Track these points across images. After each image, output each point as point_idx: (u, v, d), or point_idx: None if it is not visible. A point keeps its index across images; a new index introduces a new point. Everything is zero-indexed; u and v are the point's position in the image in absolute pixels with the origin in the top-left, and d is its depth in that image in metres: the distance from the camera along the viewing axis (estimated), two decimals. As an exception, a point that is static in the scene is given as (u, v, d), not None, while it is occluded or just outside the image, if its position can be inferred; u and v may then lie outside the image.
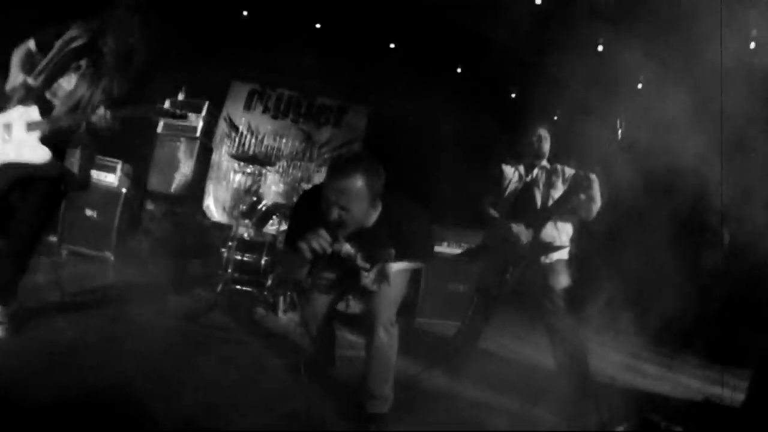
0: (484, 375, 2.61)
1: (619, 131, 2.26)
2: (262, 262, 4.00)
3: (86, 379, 1.85)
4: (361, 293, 1.97)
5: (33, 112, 2.00)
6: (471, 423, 2.12)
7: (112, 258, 3.84)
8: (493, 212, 2.60)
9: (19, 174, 2.02)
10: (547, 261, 2.43)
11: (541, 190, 2.50)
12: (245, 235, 4.09)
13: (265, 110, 6.58)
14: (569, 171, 2.51)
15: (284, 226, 3.93)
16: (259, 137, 6.52)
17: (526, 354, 3.44)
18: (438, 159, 6.05)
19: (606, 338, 3.60)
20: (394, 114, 6.62)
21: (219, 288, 3.48)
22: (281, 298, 3.46)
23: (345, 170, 1.58)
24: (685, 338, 3.92)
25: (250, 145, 6.42)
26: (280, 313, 3.38)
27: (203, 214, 5.40)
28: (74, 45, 2.04)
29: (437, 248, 4.01)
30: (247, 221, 4.15)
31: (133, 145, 4.28)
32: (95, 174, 4.06)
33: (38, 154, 2.00)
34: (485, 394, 2.44)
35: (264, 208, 4.10)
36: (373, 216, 1.76)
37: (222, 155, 6.35)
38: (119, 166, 4.06)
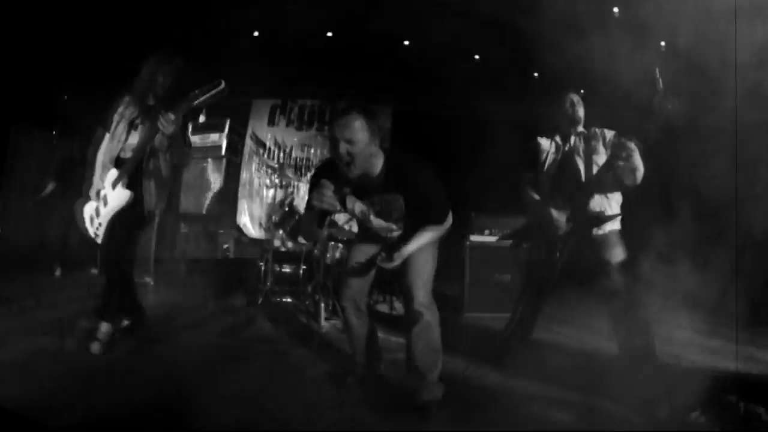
0: (541, 367, 2.35)
1: (659, 83, 1.98)
2: (300, 271, 3.95)
3: (133, 398, 1.86)
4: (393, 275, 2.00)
5: (113, 174, 2.35)
6: (530, 420, 1.90)
7: (152, 282, 3.93)
8: (533, 194, 2.41)
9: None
10: (600, 233, 2.19)
11: (583, 157, 2.28)
12: (281, 246, 4.04)
13: (289, 123, 6.60)
14: (609, 133, 2.29)
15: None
16: (287, 150, 6.54)
17: (585, 340, 3.15)
18: (468, 149, 5.82)
19: (664, 315, 3.21)
20: (418, 109, 6.47)
21: (259, 301, 3.43)
22: (321, 306, 3.35)
23: (345, 109, 1.75)
24: (752, 309, 3.49)
25: (278, 159, 6.45)
26: (322, 321, 3.27)
27: (239, 230, 5.43)
28: (129, 114, 2.40)
29: (478, 238, 3.81)
30: (281, 232, 4.11)
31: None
32: None
33: (122, 196, 2.33)
34: (544, 388, 2.20)
35: (297, 218, 4.05)
36: (378, 162, 1.82)
37: (252, 173, 6.42)
38: None
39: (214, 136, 4.11)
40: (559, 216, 2.20)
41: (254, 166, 6.41)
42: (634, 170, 2.09)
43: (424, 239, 1.89)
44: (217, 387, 2.05)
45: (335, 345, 2.82)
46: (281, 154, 6.48)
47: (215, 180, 4.15)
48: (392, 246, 1.89)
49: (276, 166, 5.86)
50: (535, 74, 6.00)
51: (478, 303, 3.70)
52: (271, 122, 6.56)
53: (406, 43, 5.85)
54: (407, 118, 6.46)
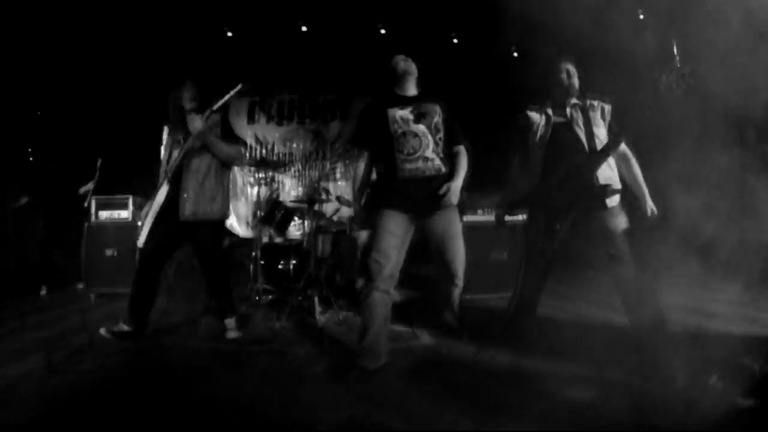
0: (549, 344, 2.29)
1: (675, 60, 1.88)
2: (291, 266, 3.83)
3: (125, 408, 1.81)
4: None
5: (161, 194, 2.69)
6: (544, 397, 1.83)
7: None
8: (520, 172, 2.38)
9: (168, 223, 2.68)
10: (611, 205, 2.11)
11: (583, 128, 2.18)
12: (269, 241, 3.91)
13: (270, 119, 6.42)
14: (606, 105, 2.22)
15: (308, 227, 3.76)
16: (269, 146, 6.38)
17: (592, 315, 3.10)
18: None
19: (663, 282, 3.16)
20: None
21: (251, 301, 3.31)
22: (316, 300, 3.24)
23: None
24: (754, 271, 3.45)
25: (260, 155, 6.29)
26: (318, 316, 3.17)
27: (227, 232, 5.27)
28: (173, 137, 2.76)
29: (472, 218, 3.71)
30: (268, 227, 3.98)
31: (142, 176, 4.20)
32: (108, 214, 4.02)
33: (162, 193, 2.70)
34: (554, 365, 2.13)
35: (283, 211, 3.92)
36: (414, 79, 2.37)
37: (235, 172, 6.25)
38: (130, 201, 4.04)
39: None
40: (560, 191, 2.12)
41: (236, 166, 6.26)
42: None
43: (462, 169, 2.30)
44: (213, 393, 1.94)
45: (334, 339, 2.73)
46: (263, 151, 6.32)
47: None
48: (439, 191, 2.18)
49: (258, 160, 5.69)
50: (515, 54, 5.92)
51: (477, 284, 3.60)
52: (251, 119, 6.40)
53: (383, 31, 5.74)
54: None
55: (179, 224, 2.63)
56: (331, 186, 6.20)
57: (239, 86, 2.64)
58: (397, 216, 2.20)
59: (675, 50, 1.86)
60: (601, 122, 2.19)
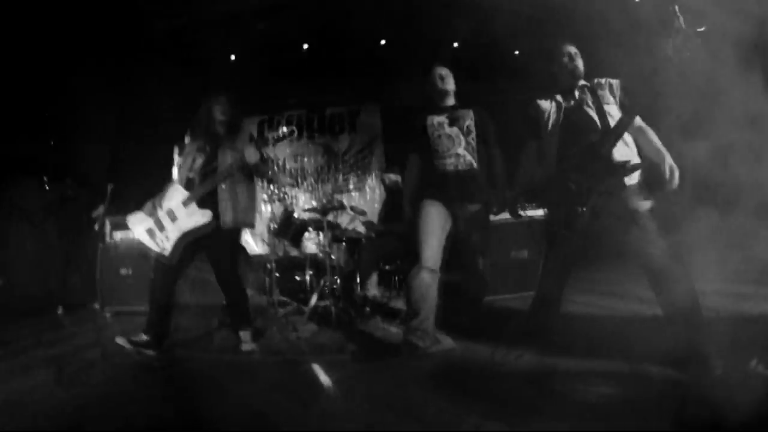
0: (576, 342, 2.15)
1: (680, 20, 1.78)
2: (307, 278, 3.76)
3: (132, 420, 1.75)
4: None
5: (182, 193, 2.62)
6: (575, 396, 1.69)
7: None
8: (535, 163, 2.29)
9: (193, 238, 2.60)
10: (631, 183, 2.00)
11: (594, 108, 2.09)
12: (283, 254, 3.86)
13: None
14: (613, 81, 2.14)
15: (323, 239, 3.71)
16: (281, 163, 6.41)
17: (618, 307, 2.94)
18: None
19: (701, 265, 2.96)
20: (406, 104, 6.31)
21: (266, 314, 3.24)
22: (333, 311, 3.15)
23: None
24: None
25: (273, 172, 6.32)
26: (334, 325, 3.07)
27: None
28: (196, 142, 2.77)
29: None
30: (282, 240, 3.93)
31: (153, 195, 4.23)
32: (122, 234, 4.04)
33: (200, 218, 2.58)
34: (584, 362, 1.98)
35: (297, 223, 3.86)
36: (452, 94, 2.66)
37: (249, 189, 6.29)
38: None
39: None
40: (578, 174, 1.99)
41: (250, 182, 6.30)
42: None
43: (498, 177, 2.57)
44: (225, 405, 1.86)
45: (356, 341, 2.65)
46: (275, 167, 6.35)
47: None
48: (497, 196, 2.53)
49: (270, 176, 5.69)
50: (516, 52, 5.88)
51: (499, 284, 3.47)
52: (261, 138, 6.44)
53: (383, 42, 5.77)
54: (396, 114, 6.29)
55: (200, 237, 2.61)
56: (345, 198, 6.16)
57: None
58: (436, 205, 2.46)
59: (677, 11, 1.76)
60: (611, 99, 2.11)
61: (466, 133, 2.52)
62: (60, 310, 4.21)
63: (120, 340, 2.56)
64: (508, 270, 3.48)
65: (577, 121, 2.10)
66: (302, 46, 5.89)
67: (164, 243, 2.60)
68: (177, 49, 5.29)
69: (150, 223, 2.66)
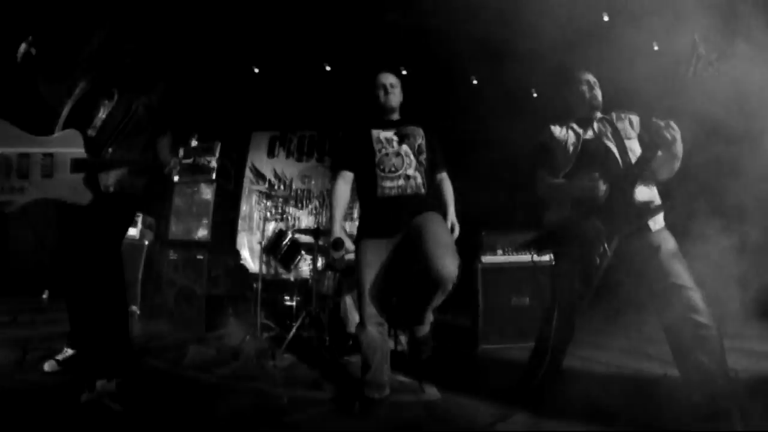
0: (579, 403, 1.90)
1: (699, 48, 1.70)
2: (294, 302, 3.58)
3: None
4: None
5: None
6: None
7: (138, 312, 3.72)
8: (555, 180, 2.05)
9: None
10: (657, 227, 1.85)
11: (614, 142, 1.95)
12: (275, 274, 3.70)
13: (289, 154, 6.44)
14: (633, 117, 2.02)
15: (316, 264, 3.55)
16: (287, 182, 6.35)
17: (628, 365, 2.66)
18: (473, 168, 5.55)
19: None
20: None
21: (247, 336, 3.06)
22: (315, 339, 2.96)
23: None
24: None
25: (276, 189, 6.24)
26: (312, 360, 2.86)
27: (234, 259, 5.12)
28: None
29: (490, 259, 3.40)
30: (271, 259, 3.79)
31: (153, 196, 4.19)
32: None
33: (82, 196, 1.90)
34: (590, 428, 1.75)
35: (289, 243, 3.72)
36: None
37: (252, 206, 6.21)
38: (140, 219, 4.00)
39: (204, 159, 3.89)
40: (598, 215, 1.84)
41: (254, 198, 6.22)
42: (674, 159, 1.83)
43: (451, 198, 2.25)
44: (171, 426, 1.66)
45: (332, 378, 2.44)
46: (282, 186, 6.28)
47: (205, 206, 3.88)
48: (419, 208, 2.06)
49: (265, 191, 5.60)
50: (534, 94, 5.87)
51: (496, 332, 3.25)
52: (271, 154, 6.42)
53: (404, 72, 5.79)
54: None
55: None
56: (348, 225, 6.03)
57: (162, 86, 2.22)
58: (375, 245, 2.07)
59: (696, 38, 1.68)
60: (632, 133, 1.97)
61: (418, 153, 2.16)
62: (45, 294, 4.09)
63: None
64: (507, 318, 3.26)
65: (596, 155, 1.95)
66: (324, 68, 5.93)
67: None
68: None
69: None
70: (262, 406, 2.02)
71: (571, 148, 2.02)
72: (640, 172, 1.80)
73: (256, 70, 5.94)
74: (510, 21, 3.60)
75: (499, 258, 3.37)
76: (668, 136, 1.73)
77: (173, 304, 3.58)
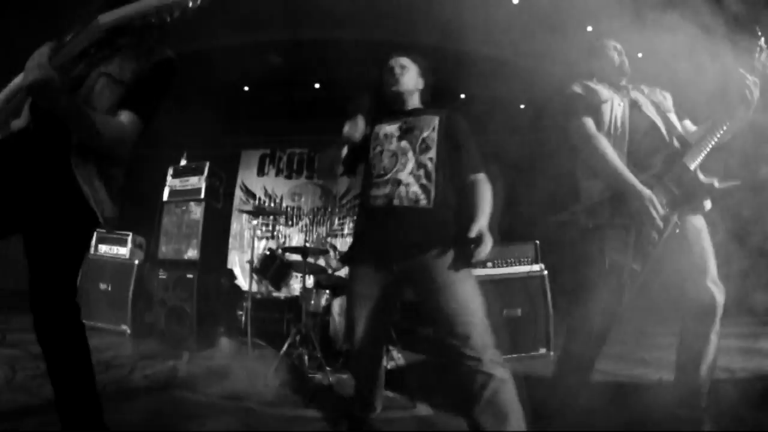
0: (579, 410, 1.80)
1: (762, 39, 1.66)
2: (284, 321, 3.56)
3: None
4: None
5: None
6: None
7: (128, 331, 3.71)
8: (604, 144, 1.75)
9: None
10: (707, 209, 1.76)
11: (655, 113, 1.80)
12: (262, 293, 3.68)
13: (279, 172, 6.48)
14: (666, 93, 1.93)
15: (309, 283, 3.54)
16: (277, 200, 6.36)
17: (621, 371, 2.61)
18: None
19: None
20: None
21: (237, 353, 3.02)
22: (306, 359, 2.93)
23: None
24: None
25: (266, 205, 6.25)
26: (309, 373, 2.84)
27: (227, 278, 5.08)
28: None
29: (482, 271, 3.41)
30: (263, 279, 3.77)
31: (142, 215, 4.19)
32: (107, 248, 3.98)
33: None
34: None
35: (279, 263, 3.70)
36: (417, 94, 1.85)
37: (243, 224, 6.19)
38: (130, 238, 4.02)
39: (193, 180, 3.90)
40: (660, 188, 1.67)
41: (244, 217, 6.21)
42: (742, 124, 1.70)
43: (486, 204, 1.59)
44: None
45: (323, 396, 2.42)
46: (272, 204, 6.29)
47: (194, 225, 3.87)
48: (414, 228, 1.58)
49: (252, 209, 5.55)
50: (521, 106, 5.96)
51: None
52: (261, 172, 6.45)
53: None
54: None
55: None
56: (338, 242, 6.03)
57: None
58: (365, 273, 1.65)
59: (758, 31, 1.66)
60: (671, 107, 1.89)
61: (420, 150, 1.66)
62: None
63: None
64: (498, 329, 3.26)
65: (639, 123, 1.78)
66: (313, 85, 5.99)
67: None
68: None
69: None
70: (253, 426, 1.99)
71: (619, 110, 1.80)
72: (704, 148, 1.67)
73: (246, 89, 6.00)
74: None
75: (490, 270, 3.39)
76: (755, 93, 1.61)
77: (164, 324, 3.54)
